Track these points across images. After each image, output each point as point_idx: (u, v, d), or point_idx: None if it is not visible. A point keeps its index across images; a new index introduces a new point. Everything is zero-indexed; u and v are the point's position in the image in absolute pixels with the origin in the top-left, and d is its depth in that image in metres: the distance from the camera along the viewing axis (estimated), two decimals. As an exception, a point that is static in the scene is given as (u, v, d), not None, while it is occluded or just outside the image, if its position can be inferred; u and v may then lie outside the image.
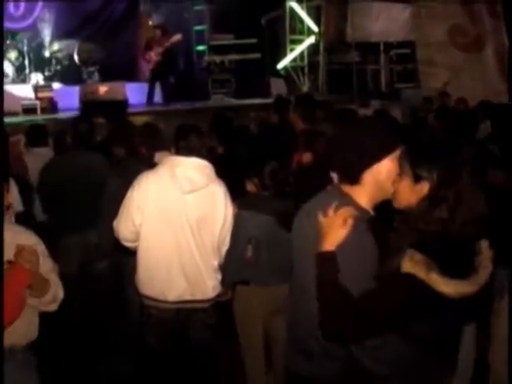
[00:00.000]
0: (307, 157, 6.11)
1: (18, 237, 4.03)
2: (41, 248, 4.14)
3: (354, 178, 3.22)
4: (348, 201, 3.22)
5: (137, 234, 4.90)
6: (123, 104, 9.44)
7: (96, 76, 16.69)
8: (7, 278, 3.90)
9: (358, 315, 3.00)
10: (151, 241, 4.87)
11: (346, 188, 3.27)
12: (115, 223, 5.01)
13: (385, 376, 3.16)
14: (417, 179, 3.09)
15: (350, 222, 3.08)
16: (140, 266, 4.99)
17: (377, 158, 3.17)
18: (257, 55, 16.66)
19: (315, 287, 3.08)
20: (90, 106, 13.43)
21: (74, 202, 6.53)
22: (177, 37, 15.18)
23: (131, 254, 5.32)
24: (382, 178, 3.20)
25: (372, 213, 3.28)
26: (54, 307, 4.21)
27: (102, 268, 6.55)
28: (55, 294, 4.11)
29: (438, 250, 3.00)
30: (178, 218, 4.81)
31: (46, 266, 4.10)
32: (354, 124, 3.76)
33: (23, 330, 4.19)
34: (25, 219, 5.73)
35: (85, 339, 6.32)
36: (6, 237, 3.92)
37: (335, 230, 3.10)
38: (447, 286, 2.95)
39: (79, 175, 6.58)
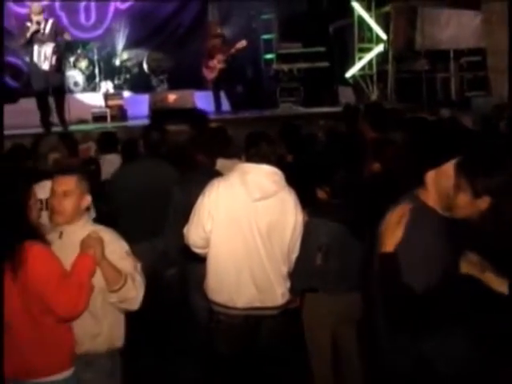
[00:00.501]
0: (377, 165, 6.07)
1: (100, 234, 4.18)
2: (120, 245, 4.32)
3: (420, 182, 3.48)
4: (416, 203, 3.46)
5: (207, 240, 4.93)
6: (203, 111, 9.54)
7: (165, 84, 16.86)
8: (72, 266, 3.99)
9: (421, 311, 3.21)
10: (221, 247, 4.89)
11: (419, 191, 3.51)
12: (186, 230, 5.05)
13: (453, 376, 3.26)
14: (477, 193, 3.17)
15: (405, 220, 3.34)
16: (209, 273, 5.02)
17: (436, 163, 3.40)
18: (325, 64, 16.61)
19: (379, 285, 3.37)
20: (160, 113, 13.54)
21: (142, 209, 6.58)
22: (241, 43, 15.21)
23: (197, 260, 5.36)
24: (442, 183, 3.39)
25: (443, 214, 3.43)
26: (133, 306, 4.28)
27: (170, 275, 6.57)
28: (131, 290, 4.17)
29: (494, 252, 3.19)
30: (248, 225, 4.81)
31: (126, 261, 4.24)
32: (420, 130, 4.00)
33: (105, 333, 4.28)
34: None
35: (153, 345, 6.39)
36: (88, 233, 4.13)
37: (393, 229, 3.37)
38: (502, 286, 3.12)
39: (147, 183, 6.63)
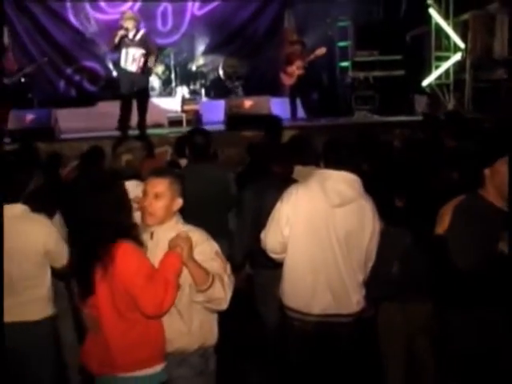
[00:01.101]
0: (455, 174, 6.03)
1: (190, 234, 4.27)
2: (210, 245, 4.41)
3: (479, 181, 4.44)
4: (475, 198, 4.50)
5: (284, 245, 4.94)
6: (278, 118, 9.55)
7: (240, 90, 16.98)
8: (159, 265, 4.10)
9: (466, 287, 4.16)
10: (298, 253, 4.89)
11: (480, 189, 4.49)
12: (263, 235, 5.08)
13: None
14: None
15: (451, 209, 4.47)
16: (286, 278, 5.02)
17: (488, 163, 4.37)
18: (401, 72, 16.46)
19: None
20: (236, 119, 13.61)
21: (204, 212, 6.61)
22: (321, 50, 15.17)
23: (264, 266, 5.37)
24: (496, 180, 4.37)
25: (502, 207, 4.36)
26: (221, 306, 4.36)
27: (237, 280, 6.59)
28: (219, 290, 4.24)
29: None
30: (326, 232, 4.80)
31: (214, 262, 4.32)
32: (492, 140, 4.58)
33: (194, 332, 4.38)
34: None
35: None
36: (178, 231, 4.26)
37: (443, 217, 4.51)
38: None
39: (209, 186, 6.65)
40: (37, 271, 5.03)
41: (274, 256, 5.11)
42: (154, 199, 4.33)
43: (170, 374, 4.33)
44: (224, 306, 4.35)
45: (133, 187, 4.62)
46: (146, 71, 12.93)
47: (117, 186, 4.25)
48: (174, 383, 4.37)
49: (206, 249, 4.34)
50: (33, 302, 5.03)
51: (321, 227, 4.81)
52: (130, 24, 12.77)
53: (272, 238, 4.99)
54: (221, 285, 4.24)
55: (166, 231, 4.33)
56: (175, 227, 4.39)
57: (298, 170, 6.20)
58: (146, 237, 4.35)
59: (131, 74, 12.83)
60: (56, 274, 5.21)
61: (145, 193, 4.38)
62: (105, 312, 4.13)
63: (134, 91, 12.92)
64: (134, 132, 13.01)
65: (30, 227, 5.00)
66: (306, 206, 4.84)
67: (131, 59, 12.79)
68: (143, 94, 13.18)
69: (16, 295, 4.97)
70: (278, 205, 4.96)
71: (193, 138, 6.95)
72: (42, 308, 5.09)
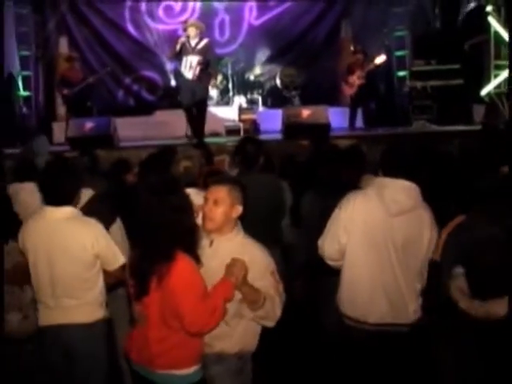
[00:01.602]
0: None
1: (248, 249, 4.41)
2: (266, 264, 4.45)
3: None
4: None
5: (342, 252, 4.94)
6: (326, 127, 9.53)
7: (297, 100, 17.02)
8: (212, 290, 4.18)
9: None
10: (356, 261, 4.89)
11: None
12: (320, 241, 5.09)
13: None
14: None
15: None
16: (343, 286, 5.03)
17: None
18: (459, 81, 16.32)
19: None
20: (294, 128, 13.62)
21: (257, 221, 6.63)
22: (381, 58, 15.13)
23: (326, 273, 5.37)
24: None
25: None
26: (269, 323, 4.44)
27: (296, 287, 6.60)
28: (269, 310, 4.32)
29: None
30: (383, 240, 4.79)
31: (267, 282, 4.37)
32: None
33: (237, 337, 4.43)
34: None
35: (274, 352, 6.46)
36: (237, 246, 4.39)
37: None
38: None
39: (260, 194, 6.66)
40: (86, 273, 5.09)
41: (331, 263, 5.11)
42: (214, 205, 4.42)
43: (208, 371, 4.41)
44: (271, 324, 4.44)
45: (193, 195, 4.68)
46: (202, 79, 13.02)
47: (178, 190, 4.34)
48: (211, 381, 4.43)
49: (261, 267, 4.39)
50: (84, 304, 5.09)
51: (378, 235, 4.80)
52: (192, 31, 12.89)
53: (329, 245, 5.00)
54: (271, 305, 4.32)
55: (225, 241, 4.44)
56: (235, 238, 4.48)
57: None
58: (205, 243, 4.43)
59: (191, 82, 12.96)
60: (109, 277, 5.26)
61: (206, 199, 4.49)
62: (152, 313, 4.23)
63: (195, 100, 13.04)
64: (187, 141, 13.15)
65: (78, 229, 5.06)
66: (364, 213, 4.84)
67: (188, 67, 12.93)
68: (202, 104, 13.28)
69: (66, 297, 5.05)
70: (336, 212, 4.97)
71: (244, 147, 6.99)
72: (93, 310, 5.14)
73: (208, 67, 13.01)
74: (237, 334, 4.43)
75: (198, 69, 12.86)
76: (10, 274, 5.42)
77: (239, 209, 4.50)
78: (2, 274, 5.30)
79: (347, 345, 5.08)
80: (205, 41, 13.05)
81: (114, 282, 5.36)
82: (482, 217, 4.61)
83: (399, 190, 4.78)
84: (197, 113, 13.22)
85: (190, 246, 4.20)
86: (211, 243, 4.46)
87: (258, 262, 4.39)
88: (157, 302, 4.18)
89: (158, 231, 4.14)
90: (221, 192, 4.46)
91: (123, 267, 5.07)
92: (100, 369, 5.22)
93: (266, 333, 4.61)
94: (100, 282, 5.19)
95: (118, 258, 5.17)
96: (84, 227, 5.10)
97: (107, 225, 6.16)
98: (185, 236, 4.18)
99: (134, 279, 4.28)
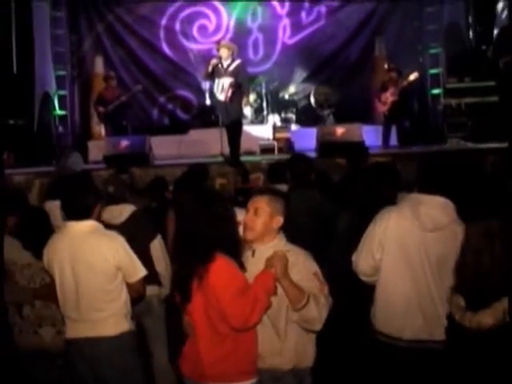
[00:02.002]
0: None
1: (291, 252, 4.44)
2: (308, 266, 4.50)
3: None
4: None
5: (376, 268, 4.93)
6: (360, 145, 9.53)
7: (331, 118, 17.01)
8: (253, 282, 4.23)
9: None
10: (390, 277, 4.86)
11: None
12: (354, 257, 5.09)
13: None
14: None
15: None
16: (377, 302, 5.00)
17: None
18: (494, 98, 16.24)
19: None
20: (328, 146, 13.63)
21: (305, 236, 6.63)
22: (414, 75, 15.10)
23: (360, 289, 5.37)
24: None
25: None
26: (314, 327, 4.41)
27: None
28: (313, 311, 4.30)
29: None
30: (417, 256, 4.76)
31: (311, 282, 4.39)
32: None
33: (290, 352, 4.43)
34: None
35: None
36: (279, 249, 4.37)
37: None
38: None
39: (310, 211, 6.68)
40: (109, 285, 5.13)
41: (364, 279, 5.09)
42: (254, 215, 4.49)
43: None
44: (318, 326, 4.41)
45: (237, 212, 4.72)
46: (234, 101, 13.06)
47: (219, 201, 4.43)
48: None
49: (303, 269, 4.42)
50: (109, 317, 5.12)
51: (413, 252, 4.77)
52: (224, 53, 12.97)
53: (363, 260, 4.98)
54: (315, 305, 4.30)
55: (267, 250, 4.44)
56: (276, 246, 4.49)
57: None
58: (248, 254, 4.48)
59: (223, 103, 13.04)
60: (131, 290, 5.30)
61: (247, 209, 4.55)
62: (198, 321, 4.28)
63: (230, 120, 13.11)
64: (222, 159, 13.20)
65: (99, 242, 5.13)
66: (398, 229, 4.82)
67: (221, 88, 13.00)
68: (236, 124, 13.33)
69: (91, 310, 5.10)
70: (370, 227, 4.97)
71: (294, 164, 7.03)
72: (118, 323, 5.16)
73: (240, 88, 13.05)
74: (287, 348, 4.44)
75: (230, 91, 12.93)
76: (44, 291, 5.50)
77: (280, 220, 4.54)
78: (2, 275, 5.38)
79: (380, 361, 5.03)
80: (237, 62, 13.12)
81: (136, 296, 5.41)
82: None
83: (435, 206, 4.76)
84: (232, 133, 13.28)
85: (232, 250, 4.27)
86: (253, 253, 4.51)
87: (301, 263, 4.44)
88: (201, 307, 4.23)
89: (197, 236, 4.21)
90: (261, 202, 4.52)
91: (144, 280, 5.23)
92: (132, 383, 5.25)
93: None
94: (124, 294, 5.21)
95: (138, 270, 5.22)
96: (105, 239, 5.16)
97: (149, 240, 6.27)
98: (226, 241, 4.25)
99: (178, 289, 4.34)
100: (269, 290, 4.22)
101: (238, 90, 13.09)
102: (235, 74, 12.98)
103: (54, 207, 6.47)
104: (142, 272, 5.21)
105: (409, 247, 4.79)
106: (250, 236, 4.50)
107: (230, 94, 12.93)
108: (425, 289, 4.78)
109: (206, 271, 4.13)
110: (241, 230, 4.53)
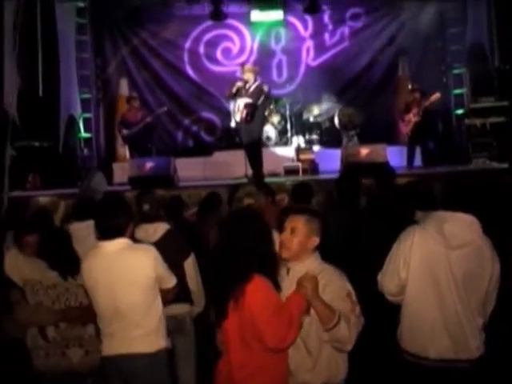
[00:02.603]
0: None
1: (324, 272, 4.51)
2: (341, 285, 4.51)
3: None
4: None
5: (401, 287, 4.90)
6: (385, 166, 9.53)
7: (355, 139, 16.99)
8: (286, 303, 4.26)
9: None
10: (416, 296, 4.84)
11: None
12: (380, 276, 5.07)
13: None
14: None
15: None
16: (403, 321, 4.98)
17: None
18: (519, 117, 16.20)
19: None
20: (353, 168, 13.61)
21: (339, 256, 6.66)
22: (436, 96, 15.08)
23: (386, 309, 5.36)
24: None
25: None
26: (345, 346, 4.41)
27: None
28: (344, 331, 4.30)
29: None
30: (443, 274, 4.74)
31: (343, 302, 4.41)
32: None
33: (320, 368, 4.44)
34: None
35: None
36: (313, 270, 4.45)
37: None
38: None
39: (343, 230, 6.70)
40: (146, 300, 5.18)
41: (390, 298, 5.07)
42: (291, 234, 4.52)
43: None
44: (348, 346, 4.41)
45: None
46: (250, 121, 13.12)
47: (256, 217, 4.46)
48: None
49: (336, 288, 4.44)
50: (147, 334, 5.16)
51: (438, 269, 4.75)
52: (249, 76, 13.08)
53: (389, 280, 4.97)
54: (346, 325, 4.30)
55: (302, 269, 4.48)
56: (311, 266, 4.53)
57: (417, 213, 6.19)
58: (283, 272, 4.52)
59: (241, 124, 13.13)
60: (167, 294, 5.39)
61: (283, 228, 4.58)
62: (232, 339, 4.29)
63: (248, 140, 13.18)
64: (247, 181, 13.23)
65: (136, 256, 5.20)
66: (423, 248, 4.80)
67: (237, 109, 13.10)
68: (255, 145, 13.39)
69: (129, 326, 5.12)
70: (395, 247, 4.96)
71: (340, 185, 7.13)
72: (155, 340, 5.20)
73: (256, 109, 13.11)
74: (320, 364, 4.44)
75: (244, 112, 12.99)
76: (72, 313, 5.53)
77: (316, 240, 4.58)
78: (2, 276, 5.44)
79: (408, 381, 5.00)
80: (256, 83, 13.21)
81: (170, 299, 5.53)
82: None
83: (460, 224, 4.75)
84: (250, 153, 13.34)
85: (269, 270, 4.29)
86: (288, 271, 4.54)
87: (334, 282, 4.45)
88: (236, 325, 4.25)
89: (235, 255, 4.24)
90: (298, 222, 4.55)
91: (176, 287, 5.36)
92: None
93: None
94: (160, 310, 5.27)
95: (172, 276, 5.40)
96: (140, 253, 5.24)
97: (183, 258, 6.32)
98: (263, 260, 4.27)
99: (214, 306, 4.38)
100: (301, 309, 4.24)
101: (258, 110, 13.16)
102: (254, 94, 13.07)
103: (79, 228, 6.51)
104: (175, 279, 5.40)
105: (434, 265, 4.76)
106: (285, 255, 4.54)
107: (244, 115, 13.00)
108: (451, 307, 4.75)
109: (242, 292, 4.16)
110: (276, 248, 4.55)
